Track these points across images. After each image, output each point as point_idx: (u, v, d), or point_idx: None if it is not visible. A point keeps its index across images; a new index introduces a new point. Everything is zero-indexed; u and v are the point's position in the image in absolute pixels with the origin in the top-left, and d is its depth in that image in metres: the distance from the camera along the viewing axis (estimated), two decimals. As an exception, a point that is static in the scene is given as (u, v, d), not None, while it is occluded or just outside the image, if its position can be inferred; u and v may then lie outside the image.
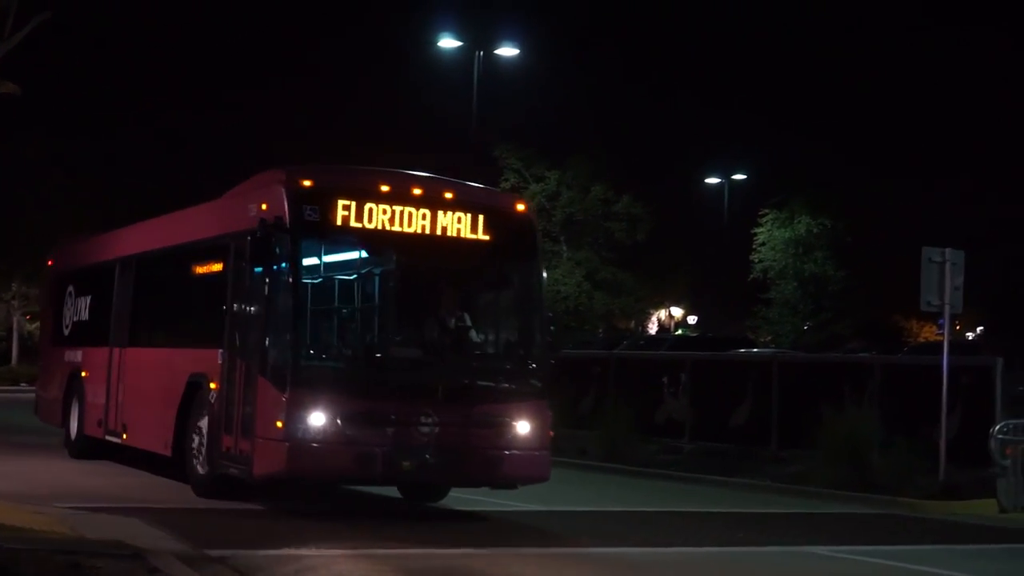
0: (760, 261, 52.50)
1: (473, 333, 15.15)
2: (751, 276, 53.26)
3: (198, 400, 16.16)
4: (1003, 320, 62.74)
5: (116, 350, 19.65)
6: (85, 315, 21.74)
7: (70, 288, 22.66)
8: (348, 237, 14.52)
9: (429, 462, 14.21)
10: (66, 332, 22.66)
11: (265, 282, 14.44)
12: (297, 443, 13.83)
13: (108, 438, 19.76)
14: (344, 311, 14.99)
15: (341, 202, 14.41)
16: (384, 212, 14.56)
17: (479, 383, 14.74)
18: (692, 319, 72.47)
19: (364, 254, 14.84)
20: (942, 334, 21.32)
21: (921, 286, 19.75)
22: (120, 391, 19.26)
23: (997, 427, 18.69)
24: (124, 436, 18.97)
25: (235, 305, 15.41)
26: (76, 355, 21.79)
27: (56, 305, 23.37)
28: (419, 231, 14.70)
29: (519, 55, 36.60)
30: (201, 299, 16.99)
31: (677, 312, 71.02)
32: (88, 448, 20.65)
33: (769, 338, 52.63)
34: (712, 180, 59.66)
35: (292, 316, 14.04)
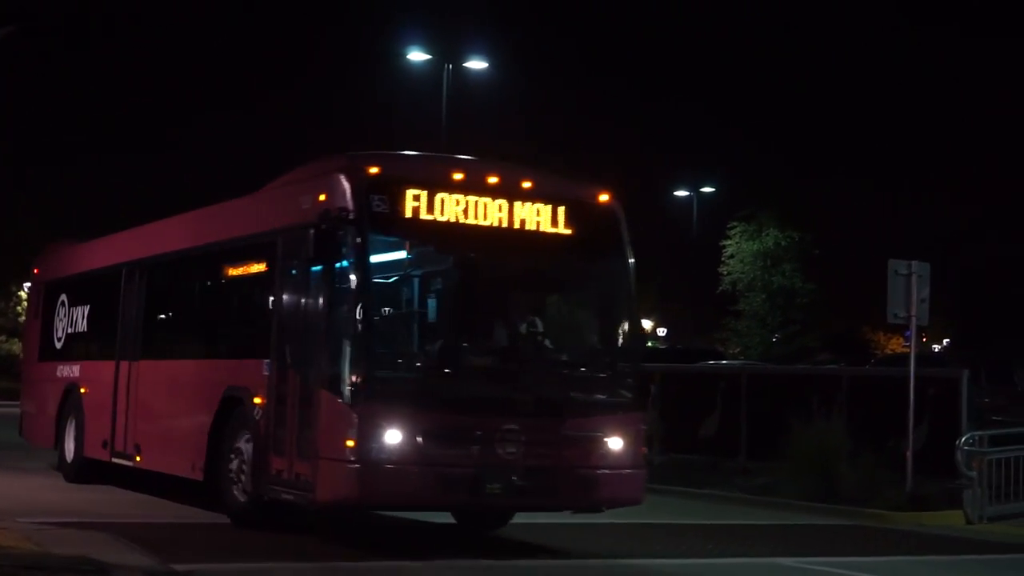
0: (729, 274, 52.65)
1: (559, 338, 13.53)
2: (720, 289, 53.26)
3: (237, 417, 14.40)
4: (969, 332, 62.63)
5: (125, 364, 17.79)
6: (83, 326, 19.84)
7: (62, 297, 20.75)
8: (419, 231, 12.83)
9: (516, 484, 12.56)
10: (58, 345, 20.75)
11: (327, 282, 12.74)
12: (371, 464, 12.12)
13: (116, 460, 17.89)
14: (418, 314, 13.27)
15: (411, 192, 12.74)
16: (458, 203, 12.90)
17: (569, 394, 13.09)
18: (661, 331, 71.39)
19: (436, 250, 13.14)
20: (909, 346, 21.63)
21: (888, 298, 19.81)
22: (131, 409, 17.41)
23: (963, 439, 18.93)
24: (137, 458, 17.12)
25: (285, 309, 13.68)
26: (72, 370, 19.89)
27: (45, 316, 21.43)
28: (496, 224, 13.06)
29: (489, 68, 35.61)
30: (238, 304, 15.25)
31: (647, 324, 69.81)
32: (88, 471, 18.79)
33: (738, 350, 52.44)
34: (680, 193, 58.86)
35: (362, 320, 12.31)
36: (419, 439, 12.20)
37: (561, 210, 13.35)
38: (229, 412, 14.56)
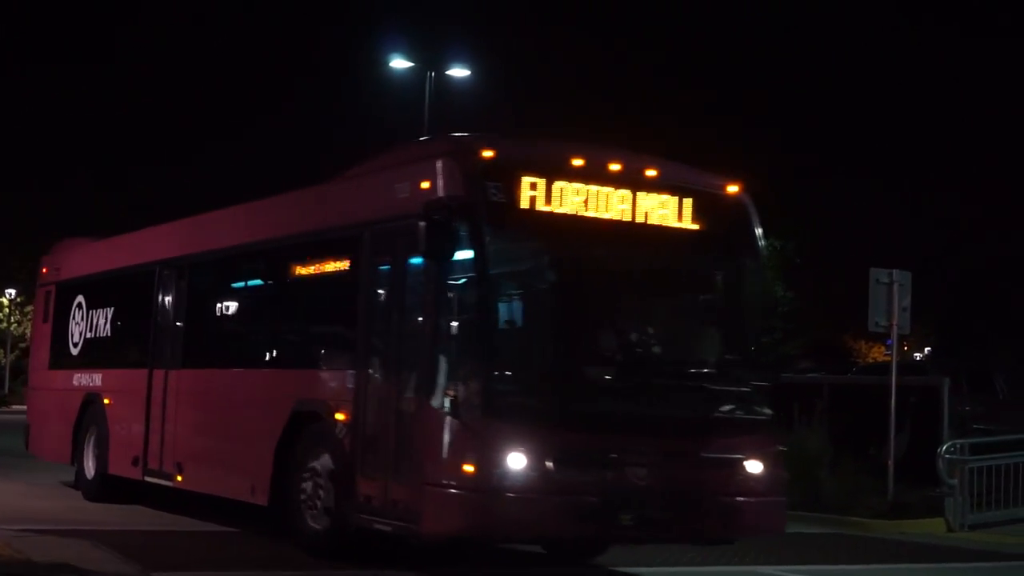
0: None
1: (692, 347, 11.99)
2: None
3: (310, 435, 12.76)
4: (951, 340, 62.09)
5: (161, 372, 16.09)
6: (106, 331, 18.10)
7: (79, 299, 19.00)
8: (538, 225, 11.19)
9: (651, 514, 10.99)
10: (74, 351, 18.99)
11: (434, 282, 11.11)
12: (492, 492, 10.51)
13: (150, 479, 16.19)
14: (539, 319, 11.61)
15: (527, 179, 11.14)
16: (578, 193, 11.33)
17: (708, 411, 11.51)
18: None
19: (557, 247, 11.51)
20: (890, 354, 21.61)
21: (869, 307, 19.73)
22: (171, 423, 15.71)
23: (944, 447, 19.02)
24: (178, 478, 15.41)
25: (375, 313, 12.06)
26: (92, 378, 18.17)
27: (57, 320, 19.67)
28: (620, 218, 11.50)
29: (471, 75, 34.57)
30: (310, 308, 13.58)
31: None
32: (113, 490, 17.09)
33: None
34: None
35: (483, 325, 10.72)
36: (548, 462, 10.60)
37: (688, 202, 11.81)
38: (300, 428, 12.92)
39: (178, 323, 15.98)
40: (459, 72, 33.86)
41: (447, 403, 10.76)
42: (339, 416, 12.21)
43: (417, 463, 11.04)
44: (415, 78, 34.10)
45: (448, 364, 10.88)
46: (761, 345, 12.06)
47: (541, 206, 11.15)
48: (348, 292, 12.52)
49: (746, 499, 11.44)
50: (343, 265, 12.75)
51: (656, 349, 11.92)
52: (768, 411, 11.75)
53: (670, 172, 12.00)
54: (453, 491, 10.66)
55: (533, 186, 11.13)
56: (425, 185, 11.39)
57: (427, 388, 11.01)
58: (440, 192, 11.14)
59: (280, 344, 13.97)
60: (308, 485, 12.63)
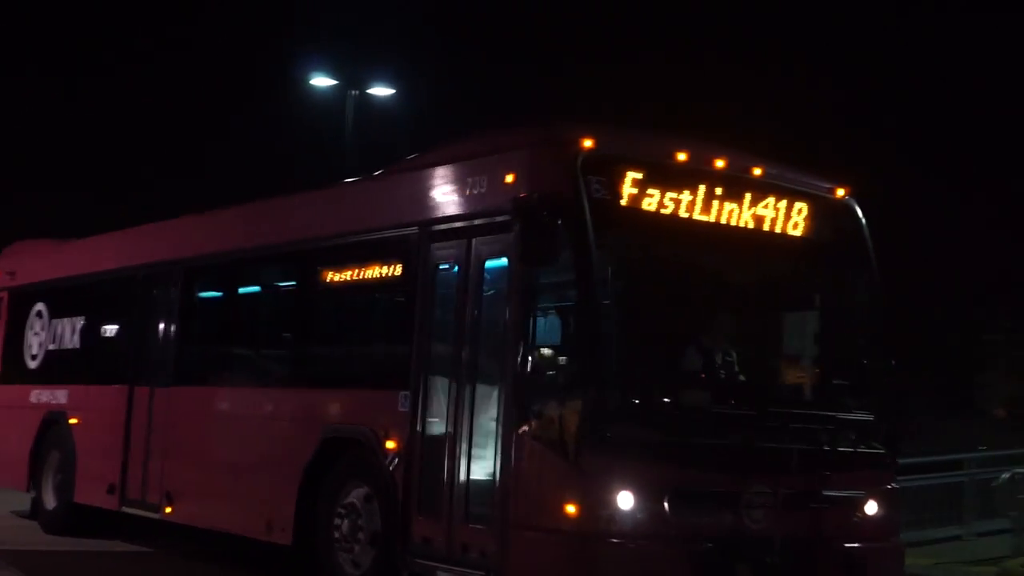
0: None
1: (805, 369, 10.51)
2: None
3: (347, 464, 11.09)
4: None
5: (146, 390, 14.26)
6: (73, 342, 16.18)
7: (39, 307, 17.08)
8: (643, 226, 9.62)
9: (769, 564, 9.45)
10: (32, 365, 17.04)
11: (524, 291, 9.49)
12: (598, 537, 8.90)
13: (129, 510, 14.35)
14: (648, 337, 9.96)
15: (630, 174, 9.58)
16: (684, 191, 9.80)
17: (826, 443, 9.96)
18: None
19: (662, 252, 9.94)
20: None
21: None
22: (159, 447, 13.89)
23: None
24: (168, 510, 13.58)
25: (439, 325, 10.41)
26: (54, 395, 16.22)
27: (10, 329, 17.71)
28: (727, 221, 9.99)
29: (395, 94, 33.25)
30: (349, 318, 11.91)
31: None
32: (79, 521, 15.21)
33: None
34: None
35: (587, 342, 9.11)
36: (663, 503, 9.03)
37: (798, 206, 10.33)
38: (333, 457, 11.22)
39: (172, 336, 14.15)
40: (382, 91, 32.51)
41: (543, 431, 9.15)
42: (389, 445, 10.53)
43: (500, 501, 9.41)
44: (338, 96, 32.88)
45: (545, 386, 9.26)
46: (883, 369, 10.54)
47: (645, 205, 9.60)
48: (398, 301, 10.89)
49: (866, 544, 9.96)
50: (392, 270, 11.07)
51: (771, 371, 10.43)
52: (887, 444, 10.28)
53: (775, 171, 10.53)
54: (550, 536, 9.05)
55: (636, 182, 9.57)
56: (509, 179, 9.79)
57: (515, 413, 9.38)
58: (532, 187, 9.53)
59: (306, 361, 12.21)
60: (344, 523, 10.94)
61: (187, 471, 13.42)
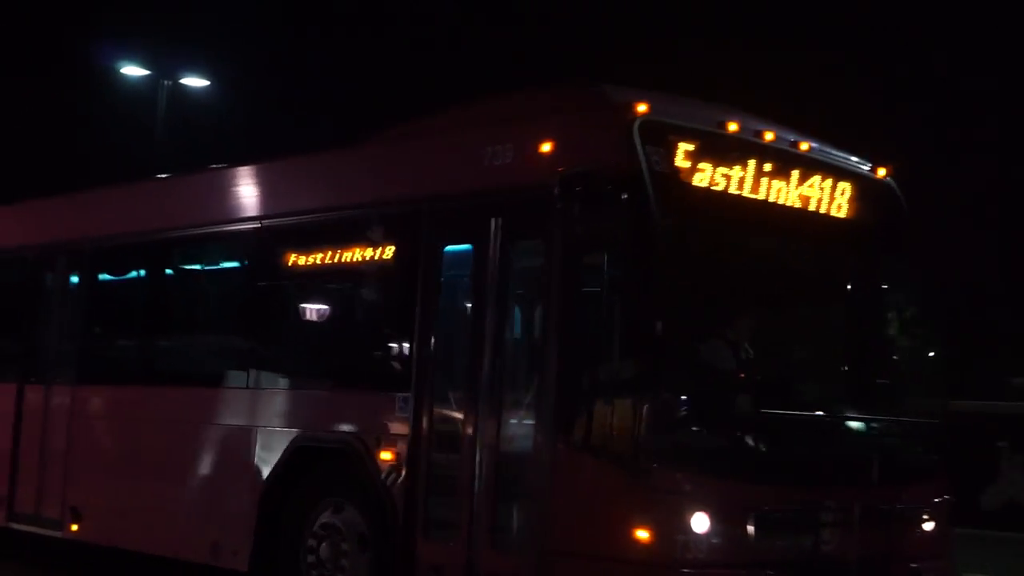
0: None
1: (860, 368, 9.38)
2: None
3: (323, 478, 9.56)
4: None
5: (39, 389, 12.41)
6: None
7: None
8: (701, 204, 8.32)
9: None
10: None
11: (569, 277, 8.16)
12: (674, 567, 7.61)
13: (19, 526, 12.49)
14: (713, 333, 8.63)
15: (685, 146, 8.31)
16: (739, 166, 8.57)
17: (890, 452, 8.81)
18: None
19: (721, 236, 8.65)
20: None
21: None
22: (56, 454, 12.07)
23: None
24: (75, 527, 11.78)
25: (451, 316, 8.98)
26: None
27: None
28: (779, 200, 8.80)
29: (211, 86, 31.85)
30: (331, 308, 10.29)
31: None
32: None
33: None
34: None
35: (647, 337, 7.77)
36: (746, 525, 7.80)
37: (843, 186, 9.20)
38: (306, 469, 9.67)
39: (76, 328, 12.29)
40: (195, 82, 30.85)
41: (597, 441, 7.82)
42: (384, 455, 9.05)
43: (537, 523, 8.05)
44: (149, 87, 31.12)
45: (597, 388, 7.94)
46: (932, 368, 9.51)
47: (701, 181, 8.34)
48: (393, 288, 9.40)
49: (927, 563, 8.91)
50: (384, 252, 9.51)
51: (833, 370, 9.30)
52: (940, 452, 9.27)
53: (820, 148, 9.40)
54: (610, 565, 7.72)
55: (690, 155, 8.30)
56: (546, 148, 8.43)
57: (557, 419, 8.03)
58: (578, 157, 8.19)
59: (272, 355, 10.54)
60: (324, 547, 9.40)
61: (100, 483, 11.64)
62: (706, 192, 8.36)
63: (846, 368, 9.51)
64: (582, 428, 7.92)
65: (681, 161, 8.26)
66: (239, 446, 10.23)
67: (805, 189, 8.97)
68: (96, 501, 11.64)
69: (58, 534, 11.98)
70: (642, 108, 8.20)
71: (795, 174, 8.91)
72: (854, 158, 9.64)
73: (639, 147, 8.00)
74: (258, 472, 9.92)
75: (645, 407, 7.64)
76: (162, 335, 11.76)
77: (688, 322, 8.13)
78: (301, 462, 9.69)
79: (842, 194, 9.20)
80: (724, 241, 8.63)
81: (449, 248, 9.06)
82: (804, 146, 9.17)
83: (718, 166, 8.44)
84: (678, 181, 8.21)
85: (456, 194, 9.00)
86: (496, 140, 8.78)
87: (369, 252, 9.57)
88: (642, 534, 7.62)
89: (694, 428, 7.88)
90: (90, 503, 11.69)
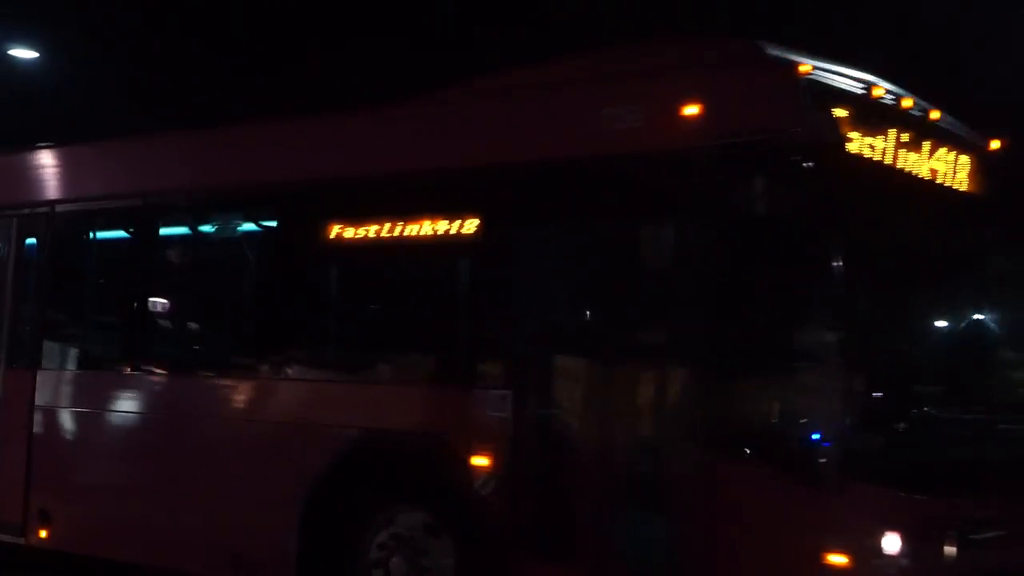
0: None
1: (995, 361, 8.51)
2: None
3: (390, 482, 8.30)
4: None
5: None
6: None
7: None
8: (864, 177, 7.32)
9: None
10: None
11: (729, 258, 7.09)
12: None
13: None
14: (887, 317, 7.59)
15: (847, 112, 7.33)
16: (889, 135, 7.61)
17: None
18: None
19: (880, 210, 7.64)
20: None
21: None
22: (16, 449, 10.47)
23: None
24: (43, 533, 10.22)
25: (554, 299, 7.81)
26: None
27: None
28: (929, 177, 7.92)
29: (42, 57, 29.88)
30: (401, 288, 8.84)
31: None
32: None
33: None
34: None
35: (834, 324, 6.72)
36: (945, 545, 6.86)
37: (966, 159, 8.36)
38: (365, 473, 8.40)
39: (49, 305, 10.67)
40: (24, 53, 28.86)
41: (772, 449, 6.81)
42: (477, 459, 7.84)
43: (698, 552, 6.99)
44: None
45: (772, 388, 6.91)
46: None
47: (862, 150, 7.40)
48: (488, 264, 8.15)
49: None
50: (472, 224, 8.23)
51: (989, 362, 8.39)
52: None
53: (945, 118, 8.51)
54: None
55: (851, 123, 7.33)
56: (691, 110, 7.31)
57: (716, 422, 6.97)
58: (734, 121, 7.12)
59: (324, 343, 9.14)
60: (396, 561, 8.16)
61: (76, 480, 10.10)
62: (867, 164, 7.42)
63: (998, 360, 8.62)
64: (751, 434, 6.91)
65: (846, 129, 7.29)
66: (274, 441, 8.88)
67: (937, 163, 8.10)
68: (65, 502, 10.12)
69: (19, 541, 10.40)
70: (805, 68, 7.20)
71: (926, 145, 8.02)
72: (972, 130, 8.81)
73: (810, 112, 7.01)
74: (300, 477, 8.58)
75: (840, 409, 6.65)
76: (162, 313, 10.21)
77: (879, 309, 7.18)
78: (359, 467, 8.40)
79: (964, 165, 8.35)
80: (890, 219, 7.68)
81: (554, 223, 7.88)
82: (935, 115, 8.28)
83: (875, 135, 7.50)
84: (844, 152, 7.25)
85: (563, 161, 7.80)
86: (618, 99, 7.61)
87: (459, 224, 8.25)
88: (837, 559, 6.62)
89: (892, 434, 6.89)
90: (59, 505, 10.15)
